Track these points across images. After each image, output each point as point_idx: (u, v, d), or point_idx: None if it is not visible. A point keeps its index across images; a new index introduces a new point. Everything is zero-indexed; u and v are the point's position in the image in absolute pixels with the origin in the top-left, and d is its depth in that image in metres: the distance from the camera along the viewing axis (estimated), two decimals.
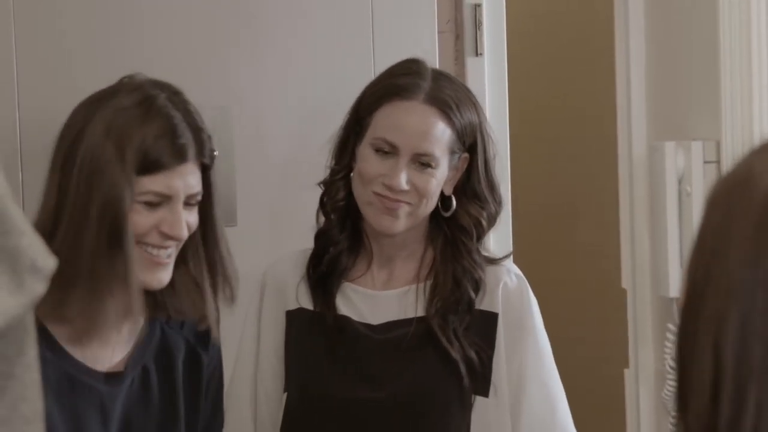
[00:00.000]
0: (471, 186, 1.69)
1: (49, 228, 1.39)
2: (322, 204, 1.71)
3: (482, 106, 1.84)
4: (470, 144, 1.67)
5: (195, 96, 1.54)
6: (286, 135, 2.17)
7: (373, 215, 1.64)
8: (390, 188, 1.61)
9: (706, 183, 1.93)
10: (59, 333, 1.45)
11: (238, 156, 2.09)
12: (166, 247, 1.44)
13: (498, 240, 2.11)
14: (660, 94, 2.14)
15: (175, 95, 1.49)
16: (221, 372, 1.65)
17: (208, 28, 2.11)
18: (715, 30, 1.88)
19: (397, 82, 1.66)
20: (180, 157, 1.44)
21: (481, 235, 1.69)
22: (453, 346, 1.61)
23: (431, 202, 1.65)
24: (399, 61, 1.73)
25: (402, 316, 1.68)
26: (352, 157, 1.67)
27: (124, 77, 1.52)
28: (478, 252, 1.68)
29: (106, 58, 2.01)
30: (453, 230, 1.68)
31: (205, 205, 1.50)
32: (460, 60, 2.21)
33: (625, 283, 2.24)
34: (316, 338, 1.68)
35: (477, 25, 2.20)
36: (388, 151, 1.62)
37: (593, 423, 2.89)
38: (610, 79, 2.29)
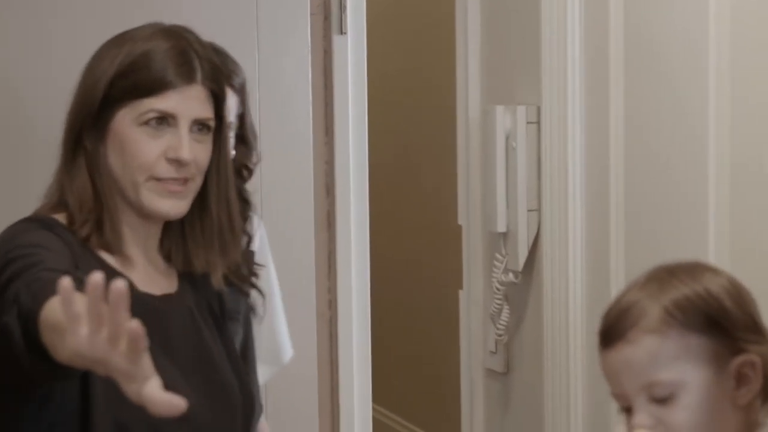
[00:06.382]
0: None
1: None
2: None
3: (345, 76, 2.27)
4: None
5: None
6: None
7: None
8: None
9: (529, 140, 2.31)
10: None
11: None
12: (177, 179, 1.34)
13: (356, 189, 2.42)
14: (491, 68, 2.49)
15: (190, 32, 1.40)
16: None
17: None
18: (538, 17, 2.25)
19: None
20: (185, 77, 1.34)
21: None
22: None
23: None
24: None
25: None
26: None
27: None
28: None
29: None
30: None
31: (217, 139, 1.40)
32: (327, 37, 2.39)
33: (461, 220, 2.57)
34: None
35: (342, 8, 2.40)
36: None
37: (432, 332, 3.29)
38: (451, 55, 2.59)
